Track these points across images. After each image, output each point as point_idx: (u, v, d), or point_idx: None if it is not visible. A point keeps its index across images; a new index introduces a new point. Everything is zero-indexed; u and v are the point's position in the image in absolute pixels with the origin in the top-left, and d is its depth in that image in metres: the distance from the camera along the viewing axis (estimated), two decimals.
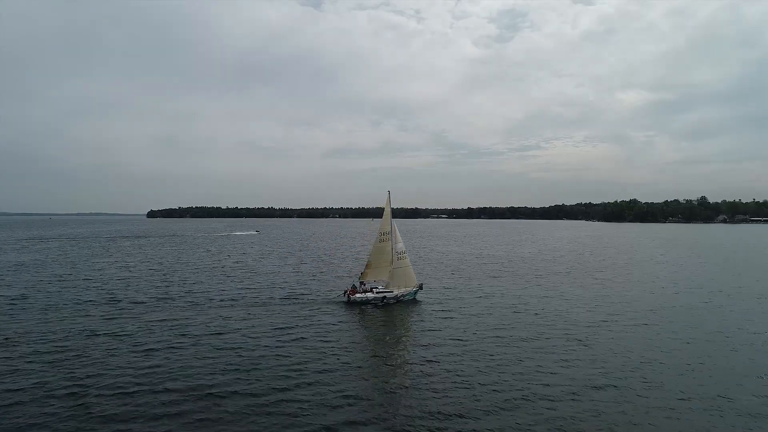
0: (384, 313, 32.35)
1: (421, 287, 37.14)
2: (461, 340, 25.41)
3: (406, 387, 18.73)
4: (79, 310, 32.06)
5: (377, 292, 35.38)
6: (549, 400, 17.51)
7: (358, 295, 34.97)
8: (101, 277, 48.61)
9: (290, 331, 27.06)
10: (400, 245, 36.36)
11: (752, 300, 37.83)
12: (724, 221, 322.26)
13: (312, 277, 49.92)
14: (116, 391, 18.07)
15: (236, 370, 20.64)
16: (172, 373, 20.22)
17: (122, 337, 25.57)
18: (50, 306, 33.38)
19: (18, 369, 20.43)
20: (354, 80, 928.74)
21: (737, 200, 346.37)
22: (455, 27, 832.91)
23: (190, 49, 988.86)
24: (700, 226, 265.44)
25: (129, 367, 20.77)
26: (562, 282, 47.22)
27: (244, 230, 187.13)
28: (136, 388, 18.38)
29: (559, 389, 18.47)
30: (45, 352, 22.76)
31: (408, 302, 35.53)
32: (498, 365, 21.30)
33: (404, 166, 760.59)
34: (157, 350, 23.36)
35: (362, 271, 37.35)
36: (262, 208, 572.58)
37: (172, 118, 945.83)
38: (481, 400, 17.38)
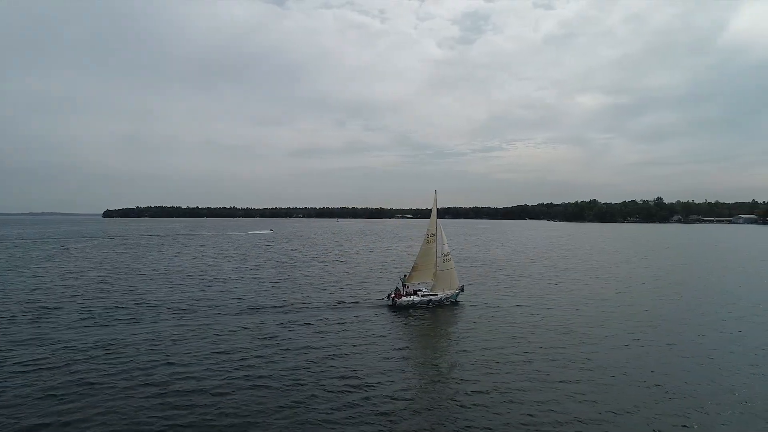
0: (430, 317, 32.26)
1: (462, 289, 37.12)
2: (506, 347, 25.09)
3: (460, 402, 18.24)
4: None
5: (422, 295, 35.13)
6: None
7: (404, 299, 34.55)
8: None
9: (337, 338, 26.59)
10: (446, 247, 36.28)
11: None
12: (679, 221, 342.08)
13: (348, 279, 49.32)
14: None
15: (285, 376, 20.42)
16: (220, 377, 20.18)
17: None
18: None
19: None
20: (319, 79, 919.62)
21: (691, 201, 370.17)
22: (419, 28, 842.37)
23: (153, 46, 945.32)
24: (658, 226, 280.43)
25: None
26: (572, 284, 48.63)
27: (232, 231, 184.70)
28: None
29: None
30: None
31: (451, 305, 35.54)
32: (547, 381, 20.29)
33: (369, 166, 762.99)
34: (205, 355, 22.72)
35: (407, 273, 37.03)
36: (224, 207, 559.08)
37: (132, 115, 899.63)
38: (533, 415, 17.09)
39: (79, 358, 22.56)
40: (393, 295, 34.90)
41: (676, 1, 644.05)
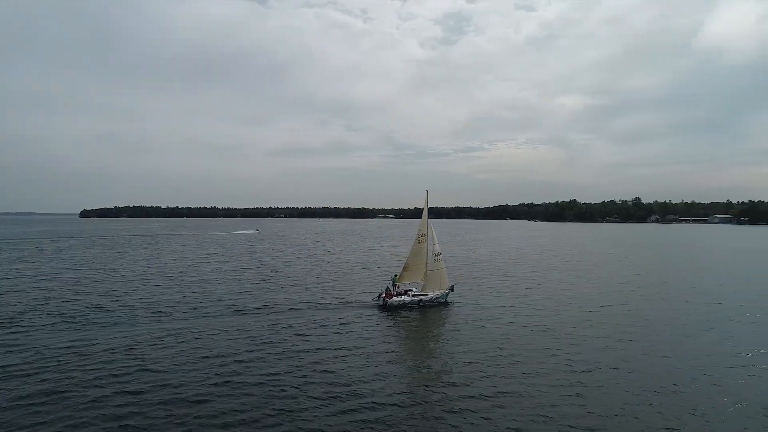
0: (420, 318, 31.68)
1: (452, 289, 36.65)
2: (496, 344, 24.84)
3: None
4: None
5: (413, 295, 34.67)
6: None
7: (395, 299, 33.94)
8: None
9: (327, 340, 25.72)
10: (437, 247, 35.77)
11: None
12: (657, 221, 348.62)
13: (344, 279, 48.50)
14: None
15: (269, 382, 19.40)
16: (201, 380, 19.36)
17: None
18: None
19: None
20: (301, 79, 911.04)
21: (668, 201, 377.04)
22: (402, 28, 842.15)
23: (133, 44, 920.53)
24: (636, 226, 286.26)
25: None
26: (553, 280, 48.73)
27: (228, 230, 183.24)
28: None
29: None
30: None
31: (441, 305, 35.06)
32: (536, 376, 20.34)
33: (351, 166, 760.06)
34: (181, 358, 21.44)
35: (398, 273, 36.52)
36: (205, 207, 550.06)
37: (111, 113, 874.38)
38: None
39: (50, 364, 21.13)
40: (384, 295, 34.25)
41: (655, 4, 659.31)
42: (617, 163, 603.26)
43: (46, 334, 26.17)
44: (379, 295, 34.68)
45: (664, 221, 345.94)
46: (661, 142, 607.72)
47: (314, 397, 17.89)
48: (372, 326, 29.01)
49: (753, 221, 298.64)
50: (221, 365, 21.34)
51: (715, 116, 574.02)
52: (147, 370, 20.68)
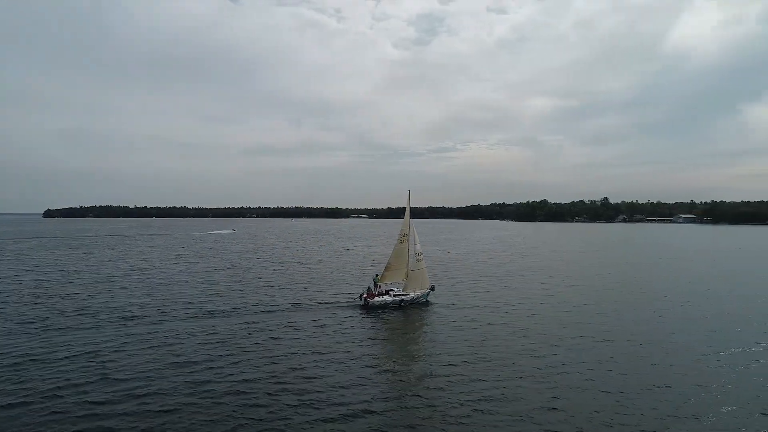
0: (402, 318, 31.05)
1: (432, 289, 36.16)
2: (476, 346, 24.28)
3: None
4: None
5: (394, 295, 34.07)
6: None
7: (377, 299, 33.23)
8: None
9: (304, 343, 24.66)
10: (419, 246, 35.27)
11: None
12: (624, 221, 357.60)
13: (318, 280, 47.25)
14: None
15: (242, 390, 18.19)
16: (168, 388, 18.10)
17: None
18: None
19: None
20: (274, 77, 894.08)
21: (635, 201, 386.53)
22: (376, 28, 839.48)
23: (100, 40, 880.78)
24: (604, 225, 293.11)
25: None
26: (530, 279, 48.86)
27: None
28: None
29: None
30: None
31: (421, 304, 34.55)
32: (518, 375, 20.13)
33: (325, 166, 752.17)
34: (157, 361, 20.14)
35: (379, 273, 35.91)
36: (174, 207, 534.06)
37: (76, 110, 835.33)
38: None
39: (5, 373, 19.42)
40: (365, 296, 33.49)
41: (622, 9, 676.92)
42: (586, 164, 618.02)
43: (1, 340, 24.24)
44: (361, 295, 33.94)
45: (631, 221, 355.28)
46: (627, 144, 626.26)
47: (289, 405, 16.84)
48: (352, 327, 28.09)
49: (715, 221, 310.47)
50: (190, 372, 19.99)
51: (679, 119, 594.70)
52: (110, 378, 19.19)
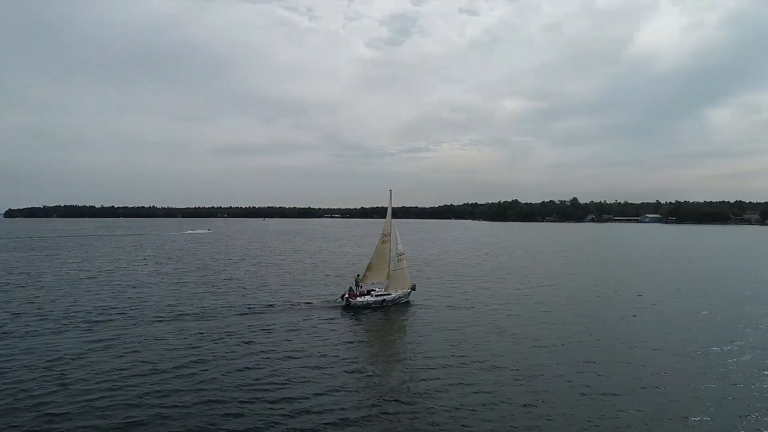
0: (383, 319, 30.37)
1: (414, 288, 35.63)
2: (456, 347, 23.77)
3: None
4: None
5: (376, 295, 33.41)
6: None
7: (358, 299, 32.52)
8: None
9: (289, 344, 23.83)
10: (400, 246, 34.71)
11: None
12: (593, 220, 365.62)
13: (295, 280, 46.02)
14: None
15: (214, 399, 17.01)
16: (132, 398, 16.75)
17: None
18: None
19: None
20: (245, 75, 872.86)
21: (603, 201, 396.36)
22: (348, 27, 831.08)
23: (65, 34, 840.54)
24: (574, 225, 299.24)
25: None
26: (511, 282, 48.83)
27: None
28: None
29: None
30: None
31: (402, 304, 33.96)
32: (498, 373, 20.01)
33: (297, 165, 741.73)
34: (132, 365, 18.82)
35: (362, 273, 35.13)
36: (142, 207, 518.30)
37: (38, 107, 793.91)
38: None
39: None
40: (347, 296, 32.72)
41: (588, 13, 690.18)
42: (556, 164, 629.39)
43: None
44: (342, 295, 33.16)
45: (599, 221, 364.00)
46: (594, 145, 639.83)
47: (263, 414, 15.78)
48: (332, 329, 27.13)
49: (680, 220, 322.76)
50: (158, 382, 18.55)
51: (644, 121, 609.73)
52: (69, 388, 17.69)
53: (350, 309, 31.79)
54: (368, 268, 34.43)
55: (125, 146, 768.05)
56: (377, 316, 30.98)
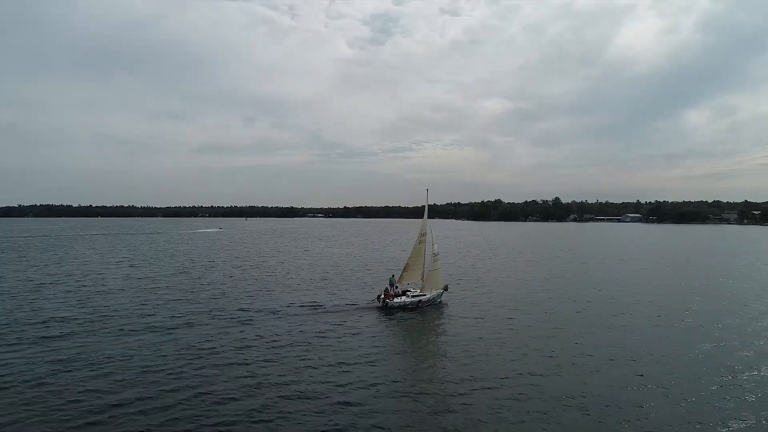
0: (419, 319, 30.06)
1: (446, 288, 35.37)
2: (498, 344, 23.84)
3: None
4: None
5: (412, 296, 33.07)
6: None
7: (396, 300, 32.18)
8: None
9: (329, 346, 23.27)
10: (436, 246, 34.46)
11: None
12: (575, 220, 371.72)
13: (330, 280, 45.53)
14: None
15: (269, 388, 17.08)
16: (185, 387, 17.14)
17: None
18: None
19: None
20: (226, 74, 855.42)
21: (584, 201, 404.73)
22: (330, 26, 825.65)
23: (38, 29, 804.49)
24: (557, 224, 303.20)
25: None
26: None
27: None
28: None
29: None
30: None
31: (436, 305, 33.76)
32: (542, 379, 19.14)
33: (279, 165, 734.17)
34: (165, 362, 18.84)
35: (395, 274, 35.08)
36: (121, 206, 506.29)
37: (11, 104, 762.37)
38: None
39: None
40: (383, 296, 32.31)
41: (568, 15, 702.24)
42: (537, 164, 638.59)
43: None
44: (379, 296, 32.78)
45: (581, 220, 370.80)
46: (576, 145, 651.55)
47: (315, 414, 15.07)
48: (371, 329, 26.88)
49: (660, 220, 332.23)
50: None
51: (623, 122, 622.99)
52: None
53: (387, 310, 31.28)
54: (405, 268, 34.14)
55: (103, 144, 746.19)
56: (413, 316, 30.59)
